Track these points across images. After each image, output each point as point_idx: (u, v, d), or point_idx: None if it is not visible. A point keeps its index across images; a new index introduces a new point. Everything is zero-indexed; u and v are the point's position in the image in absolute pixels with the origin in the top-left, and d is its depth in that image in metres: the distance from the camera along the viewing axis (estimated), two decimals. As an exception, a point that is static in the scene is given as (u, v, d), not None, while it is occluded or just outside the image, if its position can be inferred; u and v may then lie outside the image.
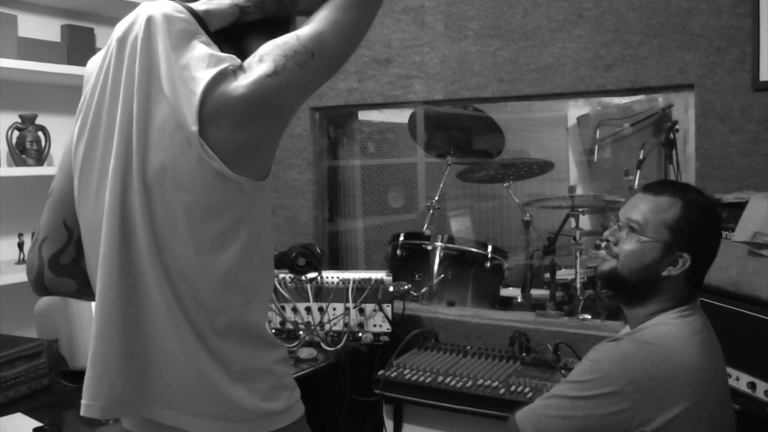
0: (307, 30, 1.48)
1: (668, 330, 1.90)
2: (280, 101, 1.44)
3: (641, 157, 3.90)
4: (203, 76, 1.38)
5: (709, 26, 2.94)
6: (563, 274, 4.12)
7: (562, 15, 3.23)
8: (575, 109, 5.30)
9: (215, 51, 1.44)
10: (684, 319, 1.93)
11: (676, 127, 3.63)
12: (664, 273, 1.95)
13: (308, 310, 3.24)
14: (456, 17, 3.48)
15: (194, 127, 1.36)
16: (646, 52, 3.06)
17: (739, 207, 2.43)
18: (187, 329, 1.43)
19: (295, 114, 1.53)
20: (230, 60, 1.43)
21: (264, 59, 1.43)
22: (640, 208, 2.01)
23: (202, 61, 1.40)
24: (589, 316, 3.33)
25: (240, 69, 1.43)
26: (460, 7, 3.46)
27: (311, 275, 3.22)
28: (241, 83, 1.39)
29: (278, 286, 3.25)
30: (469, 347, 3.07)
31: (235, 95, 1.38)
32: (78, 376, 1.65)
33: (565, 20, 3.22)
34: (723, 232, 2.45)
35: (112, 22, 3.66)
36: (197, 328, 1.44)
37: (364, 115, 4.59)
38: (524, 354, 3.00)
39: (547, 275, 3.96)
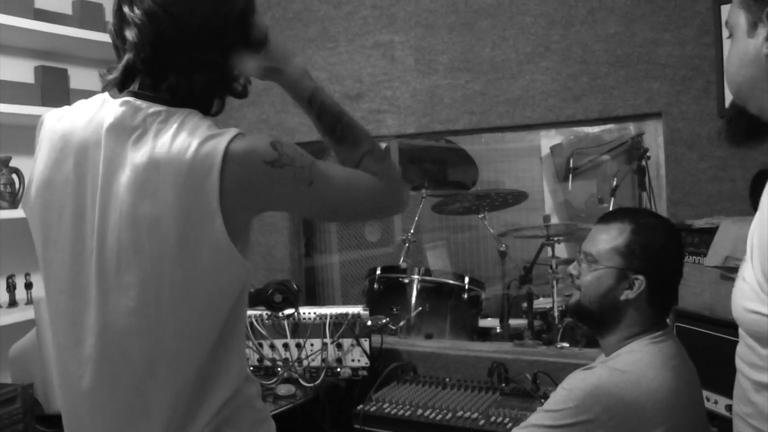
0: (324, 167, 1.49)
1: (641, 357, 1.92)
2: (261, 188, 1.42)
3: (614, 184, 3.94)
4: (218, 146, 1.38)
5: (674, 56, 2.99)
6: (541, 303, 4.14)
7: (530, 47, 3.27)
8: (548, 139, 5.35)
9: (210, 128, 1.42)
10: (656, 346, 1.95)
11: (648, 154, 3.68)
12: (623, 297, 1.98)
13: (286, 346, 3.23)
14: (425, 51, 3.52)
15: (218, 220, 1.38)
16: (613, 83, 3.11)
17: (710, 232, 2.46)
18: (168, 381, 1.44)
19: (266, 211, 1.52)
20: (230, 133, 1.41)
21: (275, 146, 1.42)
22: (594, 239, 2.06)
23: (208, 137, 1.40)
24: (568, 345, 3.34)
25: (242, 135, 1.42)
26: (430, 42, 3.50)
27: (288, 311, 3.21)
28: (236, 150, 1.38)
29: (255, 323, 3.24)
30: (447, 379, 3.06)
31: (226, 160, 1.37)
32: (53, 420, 1.62)
33: (533, 53, 3.27)
34: (695, 257, 2.48)
35: (85, 62, 3.69)
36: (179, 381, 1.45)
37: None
38: (503, 384, 3.00)
39: (525, 305, 3.98)
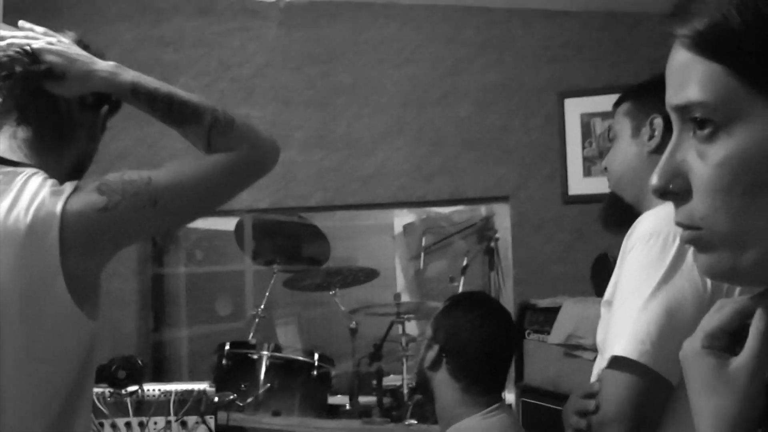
0: (163, 177, 1.45)
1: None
2: (103, 236, 1.41)
3: (465, 263, 4.03)
4: (55, 207, 1.36)
5: (522, 143, 3.13)
6: (391, 380, 4.14)
7: (384, 126, 3.35)
8: (400, 218, 5.43)
9: (52, 187, 1.40)
10: (488, 420, 2.01)
11: (497, 235, 3.79)
12: (426, 366, 2.10)
13: (128, 425, 3.09)
14: (281, 126, 3.54)
15: (60, 281, 1.34)
16: (463, 165, 3.21)
17: (554, 311, 2.55)
18: None
19: (122, 249, 1.48)
20: (67, 191, 1.39)
21: (102, 189, 1.39)
22: None
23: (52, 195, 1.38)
24: (416, 421, 3.35)
25: (76, 190, 1.39)
26: (286, 117, 3.52)
27: (132, 388, 3.09)
28: (69, 208, 1.36)
29: (96, 401, 3.09)
30: (295, 457, 3.02)
31: (63, 219, 1.35)
32: None
33: (387, 132, 3.34)
34: (539, 335, 2.56)
35: None
36: None
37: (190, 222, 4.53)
38: (351, 463, 2.97)
39: (375, 381, 3.97)
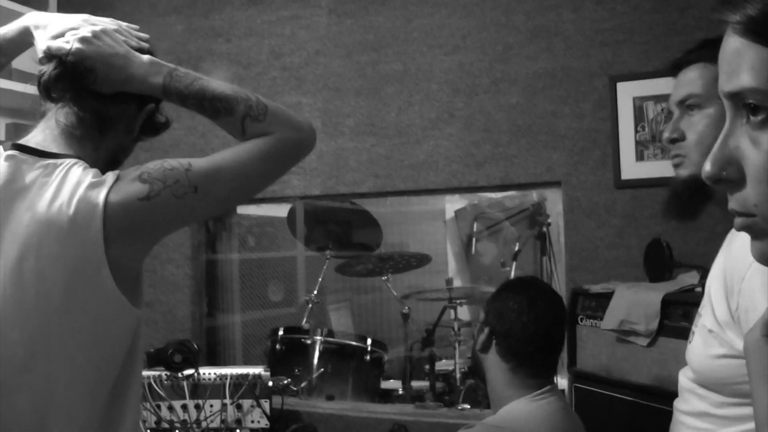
0: (202, 163, 1.47)
1: (519, 414, 2.01)
2: (146, 225, 1.44)
3: (516, 249, 4.03)
4: (98, 197, 1.38)
5: (573, 128, 3.11)
6: (444, 365, 4.16)
7: (434, 114, 3.35)
8: (452, 204, 5.43)
9: (94, 177, 1.42)
10: (536, 403, 2.02)
11: (549, 221, 3.78)
12: (477, 347, 2.15)
13: (184, 407, 3.16)
14: (332, 114, 3.56)
15: (105, 270, 1.37)
16: (514, 151, 3.20)
17: (606, 297, 2.53)
18: None
19: (165, 237, 1.51)
20: (109, 181, 1.42)
21: (143, 178, 1.42)
22: None
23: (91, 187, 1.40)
24: (469, 406, 3.36)
25: (118, 180, 1.42)
26: (336, 105, 3.54)
27: (188, 372, 3.15)
28: (112, 199, 1.39)
29: (153, 383, 3.16)
30: (348, 442, 3.05)
31: (106, 209, 1.38)
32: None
33: (437, 119, 3.34)
34: (592, 320, 2.55)
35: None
36: None
37: (242, 209, 4.59)
38: (404, 447, 2.99)
39: (427, 366, 4.00)
